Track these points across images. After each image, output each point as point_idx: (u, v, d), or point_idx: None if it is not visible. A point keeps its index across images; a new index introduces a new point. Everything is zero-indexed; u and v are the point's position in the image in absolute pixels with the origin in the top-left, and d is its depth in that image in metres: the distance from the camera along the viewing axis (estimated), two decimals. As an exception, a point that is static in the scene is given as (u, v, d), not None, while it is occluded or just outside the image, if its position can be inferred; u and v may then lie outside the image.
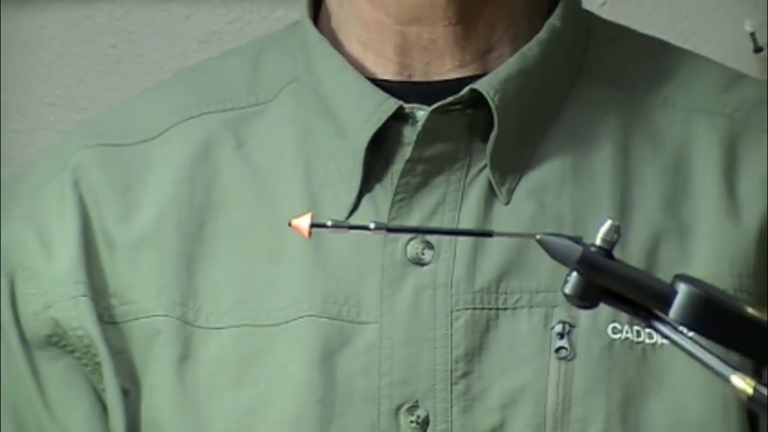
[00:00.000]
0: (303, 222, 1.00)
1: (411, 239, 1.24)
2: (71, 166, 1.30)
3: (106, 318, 1.28)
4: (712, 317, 0.97)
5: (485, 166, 1.25)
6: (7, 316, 1.29)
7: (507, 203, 1.25)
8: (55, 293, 1.28)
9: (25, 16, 1.69)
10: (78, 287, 1.28)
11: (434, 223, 1.24)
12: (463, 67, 1.27)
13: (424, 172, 1.25)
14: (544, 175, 1.27)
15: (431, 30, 1.27)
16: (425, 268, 1.25)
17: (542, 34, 1.28)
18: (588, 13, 1.33)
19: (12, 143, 1.59)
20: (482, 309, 1.24)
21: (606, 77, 1.31)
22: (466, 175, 1.26)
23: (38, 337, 1.29)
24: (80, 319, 1.27)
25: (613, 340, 1.24)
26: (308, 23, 1.30)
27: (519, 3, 1.29)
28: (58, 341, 1.28)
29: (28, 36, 1.70)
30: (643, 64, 1.33)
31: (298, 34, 1.31)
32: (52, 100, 1.65)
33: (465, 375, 1.24)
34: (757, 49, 1.51)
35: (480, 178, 1.26)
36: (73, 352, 1.28)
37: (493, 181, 1.25)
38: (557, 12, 1.29)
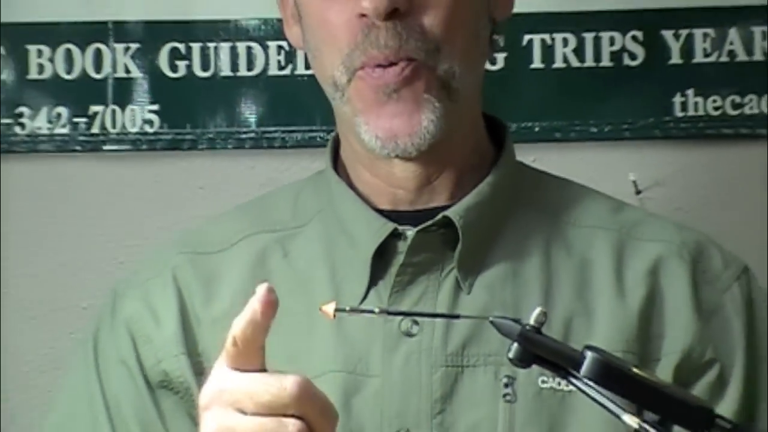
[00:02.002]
0: (329, 308, 0.98)
1: (403, 319, 1.20)
2: (170, 266, 1.27)
3: (198, 370, 1.23)
4: (609, 375, 0.94)
5: (453, 268, 1.21)
6: (135, 367, 1.24)
7: (468, 293, 1.22)
8: (164, 353, 1.24)
9: (149, 162, 1.67)
10: (179, 348, 1.24)
11: (419, 309, 1.20)
12: (437, 202, 1.24)
13: (412, 273, 1.21)
14: (493, 275, 1.23)
15: (413, 191, 1.24)
16: (413, 338, 1.20)
17: (490, 179, 1.24)
18: (520, 162, 1.30)
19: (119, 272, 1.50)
20: (452, 367, 1.20)
21: (533, 205, 1.27)
22: (441, 275, 1.22)
23: (155, 382, 1.24)
24: (181, 371, 1.23)
25: (542, 388, 1.19)
26: (330, 171, 1.27)
27: (474, 160, 1.26)
28: (167, 385, 1.24)
29: (148, 184, 1.67)
30: (557, 195, 1.29)
31: (323, 177, 1.29)
32: (161, 224, 1.59)
33: (441, 412, 1.19)
34: (638, 192, 1.49)
35: (450, 277, 1.22)
36: (177, 392, 1.24)
37: (459, 279, 1.21)
38: (499, 163, 1.26)
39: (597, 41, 1.63)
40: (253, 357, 0.99)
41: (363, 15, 1.16)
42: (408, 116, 1.17)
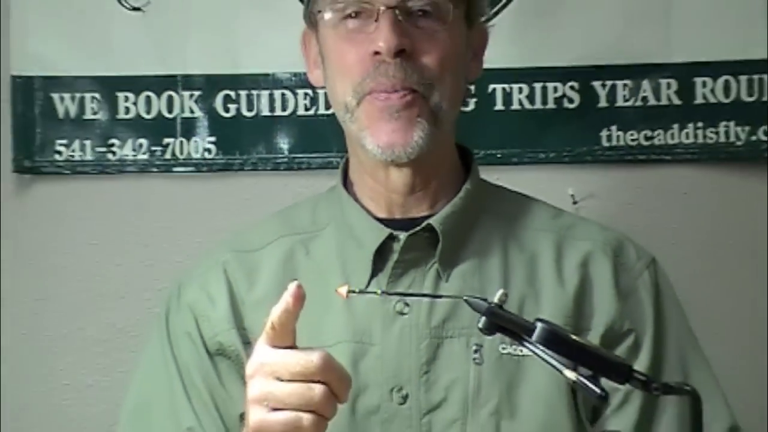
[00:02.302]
0: (343, 290, 0.98)
1: (398, 301, 1.18)
2: (221, 261, 1.25)
3: (244, 340, 1.20)
4: (555, 340, 0.94)
5: (435, 263, 1.19)
6: (198, 339, 1.22)
7: (446, 281, 1.19)
8: (219, 328, 1.21)
9: (207, 180, 1.65)
10: (229, 324, 1.21)
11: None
12: (422, 211, 1.22)
13: (404, 267, 1.19)
14: (465, 267, 1.20)
15: (403, 197, 1.22)
16: (405, 317, 1.18)
17: (461, 193, 1.22)
18: (483, 179, 1.27)
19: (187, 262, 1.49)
20: (435, 338, 1.18)
21: (494, 212, 1.24)
22: (426, 268, 1.20)
23: (213, 350, 1.21)
24: (232, 341, 1.20)
25: (502, 353, 1.17)
26: (341, 187, 1.25)
27: (449, 178, 1.24)
28: (222, 353, 1.21)
29: (207, 197, 1.66)
30: (512, 205, 1.27)
31: (335, 193, 1.26)
32: (217, 227, 1.56)
33: (426, 372, 1.17)
34: (575, 202, 1.49)
35: (432, 269, 1.20)
36: (230, 358, 1.21)
37: (439, 271, 1.19)
38: (468, 181, 1.24)
39: (544, 90, 1.61)
40: (286, 337, 0.99)
41: (376, 53, 1.14)
42: (404, 132, 1.15)
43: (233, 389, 1.19)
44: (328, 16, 1.17)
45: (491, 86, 1.60)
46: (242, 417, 1.18)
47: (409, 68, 1.14)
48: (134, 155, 1.63)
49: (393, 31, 1.13)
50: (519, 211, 1.25)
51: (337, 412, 1.14)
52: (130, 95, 1.63)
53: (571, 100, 1.61)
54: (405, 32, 1.14)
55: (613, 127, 1.61)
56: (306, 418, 0.97)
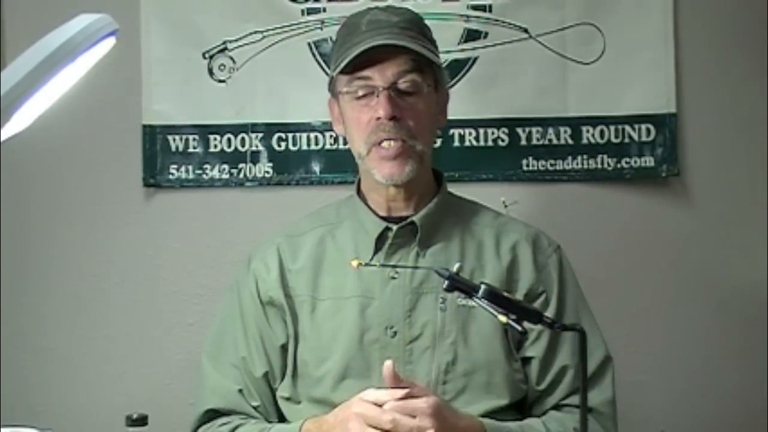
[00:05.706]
0: (355, 262, 0.99)
1: (390, 270, 1.16)
2: (276, 243, 1.22)
3: (287, 294, 1.17)
4: (493, 296, 0.91)
5: (415, 246, 1.17)
6: (256, 294, 1.19)
7: (423, 258, 1.17)
8: (270, 287, 1.18)
9: (267, 192, 1.56)
10: (278, 285, 1.18)
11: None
12: (408, 212, 1.18)
13: (395, 248, 1.17)
14: (435, 249, 1.18)
15: (398, 202, 1.19)
16: (395, 280, 1.16)
17: (434, 201, 1.19)
18: (449, 191, 1.24)
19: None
20: (415, 294, 1.15)
21: (455, 214, 1.21)
22: (409, 249, 1.17)
23: (265, 301, 1.18)
24: (278, 296, 1.17)
25: (459, 305, 1.15)
26: (356, 196, 1.22)
27: (427, 192, 1.20)
28: (271, 303, 1.18)
29: (267, 203, 1.59)
30: (467, 209, 1.24)
31: (352, 199, 1.23)
32: (275, 223, 1.49)
33: (409, 316, 1.15)
34: (505, 206, 1.45)
35: (413, 250, 1.17)
36: (275, 306, 1.18)
37: (418, 251, 1.17)
38: (439, 193, 1.20)
39: (485, 133, 1.58)
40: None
41: (378, 118, 1.13)
42: (399, 169, 1.14)
43: (276, 328, 1.17)
44: (344, 91, 1.16)
45: (451, 131, 1.57)
46: (282, 347, 1.15)
47: (398, 127, 1.13)
48: (219, 175, 1.59)
49: (388, 103, 1.12)
50: (471, 213, 1.23)
51: (351, 343, 1.10)
52: (217, 136, 1.59)
53: (503, 140, 1.58)
54: (396, 104, 1.13)
55: (530, 158, 1.57)
56: None
